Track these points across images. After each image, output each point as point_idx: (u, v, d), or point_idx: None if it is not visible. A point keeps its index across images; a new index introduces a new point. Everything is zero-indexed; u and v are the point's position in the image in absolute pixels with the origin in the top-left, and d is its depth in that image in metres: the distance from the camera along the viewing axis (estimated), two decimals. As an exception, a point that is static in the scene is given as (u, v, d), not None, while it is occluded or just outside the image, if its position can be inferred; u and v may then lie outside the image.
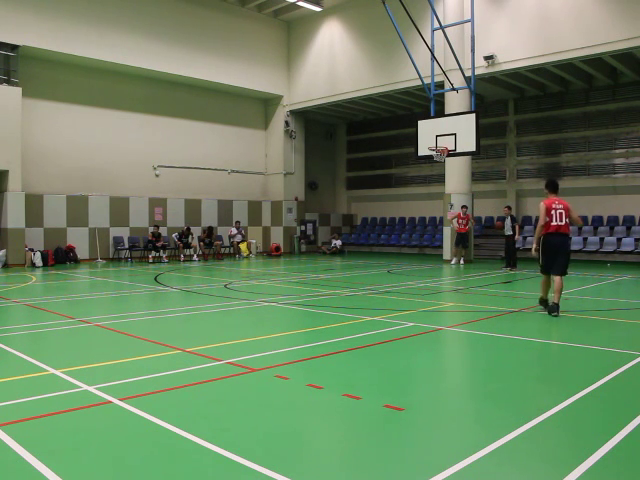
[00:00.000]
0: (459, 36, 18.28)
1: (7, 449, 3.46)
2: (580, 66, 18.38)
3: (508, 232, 16.45)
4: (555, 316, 8.32)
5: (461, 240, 18.37)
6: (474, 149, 15.33)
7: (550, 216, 8.48)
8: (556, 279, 8.45)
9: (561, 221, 8.46)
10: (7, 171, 17.01)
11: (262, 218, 25.49)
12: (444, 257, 19.86)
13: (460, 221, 18.35)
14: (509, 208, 16.98)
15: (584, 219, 20.78)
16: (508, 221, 16.51)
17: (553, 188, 8.81)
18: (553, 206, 8.53)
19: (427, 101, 18.59)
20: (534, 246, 8.76)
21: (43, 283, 13.63)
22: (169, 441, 3.62)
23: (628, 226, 19.66)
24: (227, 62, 22.63)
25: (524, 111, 22.79)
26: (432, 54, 16.20)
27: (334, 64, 23.07)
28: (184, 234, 21.07)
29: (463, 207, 18.59)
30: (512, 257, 16.62)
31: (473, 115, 15.42)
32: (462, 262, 18.34)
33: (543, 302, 8.89)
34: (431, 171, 24.88)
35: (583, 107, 21.24)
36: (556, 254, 8.49)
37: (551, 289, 8.64)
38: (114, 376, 5.12)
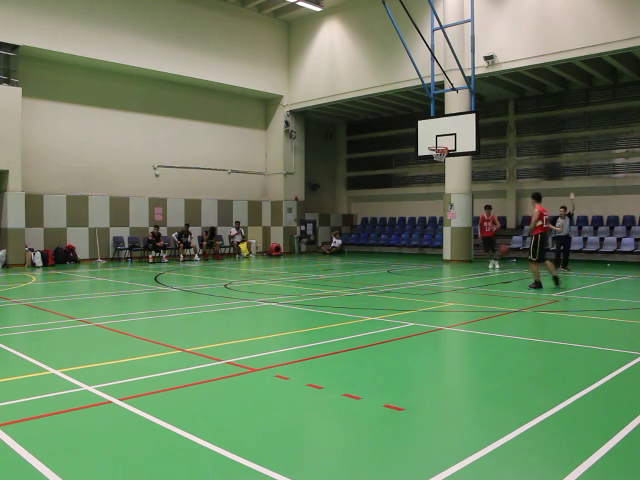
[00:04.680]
0: (459, 36, 18.28)
1: (7, 449, 3.46)
2: (580, 66, 18.38)
3: (565, 232, 15.61)
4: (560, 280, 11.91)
5: (489, 245, 16.90)
6: (474, 149, 15.33)
7: (542, 220, 11.53)
8: (548, 262, 11.92)
9: (547, 224, 11.91)
10: (7, 171, 17.01)
11: (262, 218, 25.49)
12: (444, 257, 19.87)
13: (485, 224, 16.69)
14: (565, 208, 15.77)
15: (584, 219, 20.83)
16: (566, 222, 15.59)
17: (540, 199, 12.03)
18: (544, 213, 11.66)
19: (427, 101, 18.59)
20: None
21: (43, 283, 13.63)
22: (169, 441, 3.62)
23: (628, 226, 19.66)
24: (227, 62, 22.64)
25: (524, 111, 22.79)
26: (432, 54, 16.20)
27: (334, 64, 23.08)
28: (183, 233, 21.08)
29: (486, 208, 16.89)
30: (566, 256, 15.99)
31: (473, 115, 15.42)
32: (497, 266, 16.73)
33: (539, 284, 11.63)
34: (431, 171, 24.88)
35: (583, 107, 21.24)
36: (546, 247, 11.98)
37: (536, 271, 11.73)
38: (114, 376, 5.12)
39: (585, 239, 19.82)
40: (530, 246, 11.76)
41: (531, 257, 11.64)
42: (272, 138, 25.35)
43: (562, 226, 15.49)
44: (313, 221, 26.57)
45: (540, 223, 11.48)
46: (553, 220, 15.30)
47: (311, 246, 26.18)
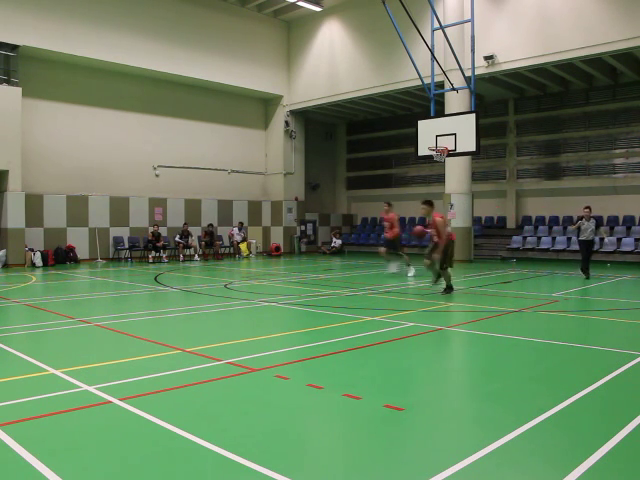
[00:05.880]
0: (459, 36, 18.28)
1: (7, 449, 3.46)
2: (580, 66, 18.38)
3: (590, 237, 13.74)
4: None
5: (390, 245, 14.76)
6: (474, 149, 15.32)
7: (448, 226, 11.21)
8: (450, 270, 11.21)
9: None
10: (7, 171, 17.01)
11: (262, 218, 25.49)
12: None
13: (385, 223, 14.69)
14: (590, 209, 13.96)
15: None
16: (592, 224, 13.71)
17: (433, 205, 11.47)
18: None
19: (427, 101, 18.59)
20: (438, 256, 10.93)
21: (43, 283, 13.63)
22: (169, 441, 3.62)
23: (628, 226, 19.66)
24: (227, 62, 22.64)
25: (524, 111, 22.79)
26: (432, 54, 16.20)
27: (334, 64, 23.08)
28: (184, 234, 21.10)
29: (386, 204, 14.98)
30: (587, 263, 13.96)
31: (473, 115, 15.41)
32: (411, 272, 14.26)
33: (450, 288, 10.93)
34: (431, 171, 24.87)
35: (583, 107, 21.25)
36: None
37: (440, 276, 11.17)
38: (114, 376, 5.12)
39: (585, 239, 19.81)
40: (440, 253, 10.81)
41: (442, 264, 10.91)
42: (272, 138, 25.35)
43: (587, 229, 13.70)
44: (313, 221, 26.57)
45: (449, 230, 11.05)
46: (578, 222, 14.06)
47: (311, 246, 26.18)
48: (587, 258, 13.95)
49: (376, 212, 27.75)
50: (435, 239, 11.05)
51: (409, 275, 14.21)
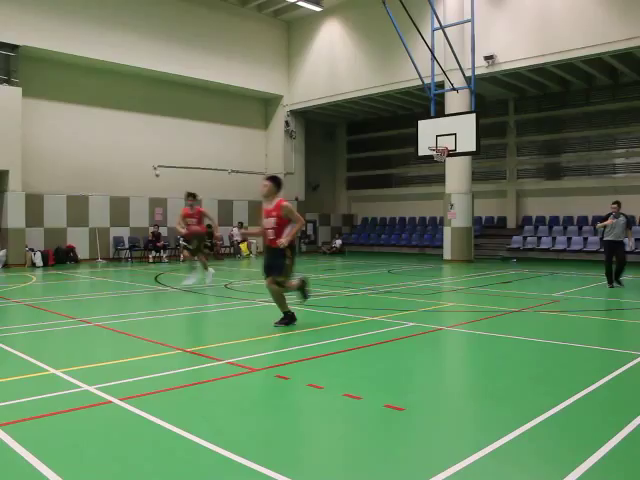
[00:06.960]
0: (459, 36, 18.27)
1: (7, 449, 3.45)
2: (580, 66, 18.39)
3: (620, 238, 11.71)
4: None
5: (197, 243, 12.42)
6: (474, 149, 15.34)
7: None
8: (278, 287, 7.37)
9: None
10: (7, 171, 17.02)
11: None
12: (444, 257, 19.88)
13: (189, 219, 12.28)
14: (618, 205, 11.89)
15: (584, 219, 20.79)
16: (621, 221, 11.66)
17: (281, 185, 7.48)
18: None
19: (427, 101, 18.58)
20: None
21: (43, 283, 13.63)
22: (169, 441, 3.61)
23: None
24: (227, 62, 22.64)
25: (524, 111, 22.80)
26: (432, 54, 16.21)
27: (334, 64, 23.08)
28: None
29: (189, 197, 12.34)
30: (621, 267, 12.06)
31: (473, 115, 15.43)
32: (209, 278, 12.42)
33: (292, 317, 7.55)
34: (431, 171, 24.86)
35: (583, 107, 21.25)
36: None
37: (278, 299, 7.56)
38: (114, 376, 5.11)
39: (585, 239, 19.82)
40: (278, 261, 7.32)
41: (283, 278, 7.44)
42: (272, 138, 25.35)
43: (614, 227, 11.64)
44: (313, 221, 26.58)
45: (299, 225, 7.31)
46: (605, 219, 11.92)
47: (311, 246, 26.18)
48: (620, 262, 11.91)
49: (376, 212, 27.78)
50: (270, 236, 7.29)
51: (208, 281, 12.39)
